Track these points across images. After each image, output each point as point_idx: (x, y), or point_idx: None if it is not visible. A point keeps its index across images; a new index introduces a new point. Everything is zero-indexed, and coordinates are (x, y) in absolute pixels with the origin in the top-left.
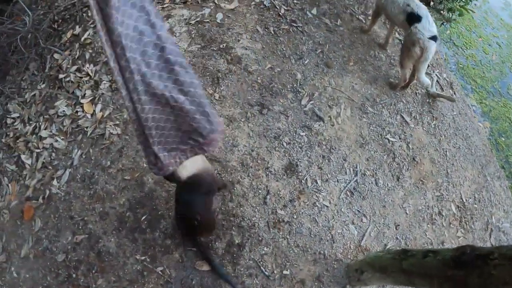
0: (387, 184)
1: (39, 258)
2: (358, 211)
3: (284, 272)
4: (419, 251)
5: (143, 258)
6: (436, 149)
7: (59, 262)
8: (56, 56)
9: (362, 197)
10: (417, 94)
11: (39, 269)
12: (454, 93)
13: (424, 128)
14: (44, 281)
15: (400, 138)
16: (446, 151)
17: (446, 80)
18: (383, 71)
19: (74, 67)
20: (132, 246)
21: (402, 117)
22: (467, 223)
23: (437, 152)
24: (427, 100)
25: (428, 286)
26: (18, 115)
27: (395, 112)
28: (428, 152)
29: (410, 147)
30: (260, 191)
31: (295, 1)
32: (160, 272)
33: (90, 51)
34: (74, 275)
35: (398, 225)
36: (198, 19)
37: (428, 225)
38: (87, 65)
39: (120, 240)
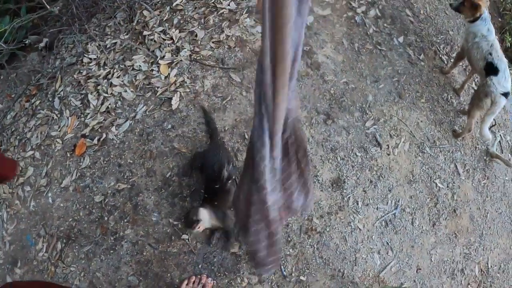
0: (422, 227)
1: (77, 193)
2: (387, 243)
3: (301, 277)
4: None
5: (175, 223)
6: (478, 208)
7: (96, 202)
8: (145, 13)
9: (395, 231)
10: (477, 149)
11: (74, 202)
12: None
13: (473, 184)
14: (76, 215)
15: (447, 187)
16: (488, 213)
17: (508, 143)
18: (450, 117)
19: (160, 28)
20: (169, 209)
21: (456, 167)
22: None
23: (479, 211)
24: (484, 158)
25: None
26: (95, 57)
27: (451, 160)
28: (470, 209)
29: (455, 198)
30: None
31: (385, 25)
32: (187, 241)
33: (179, 17)
34: (106, 218)
35: (420, 269)
36: None
37: (448, 279)
38: (173, 30)
39: (160, 200)
